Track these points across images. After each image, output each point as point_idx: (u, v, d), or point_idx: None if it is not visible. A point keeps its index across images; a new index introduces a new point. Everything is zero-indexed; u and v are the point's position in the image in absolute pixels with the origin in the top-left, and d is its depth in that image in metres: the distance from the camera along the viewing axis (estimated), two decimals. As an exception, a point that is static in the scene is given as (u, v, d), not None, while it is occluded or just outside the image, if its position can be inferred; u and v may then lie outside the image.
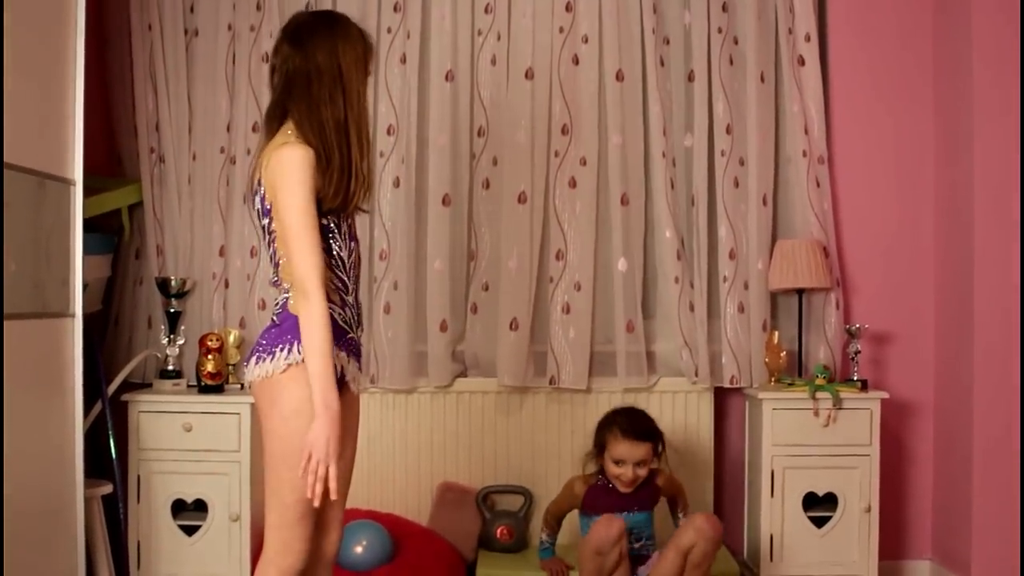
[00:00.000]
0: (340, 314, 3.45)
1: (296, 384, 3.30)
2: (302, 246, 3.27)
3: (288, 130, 3.40)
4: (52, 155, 4.24)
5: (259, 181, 3.41)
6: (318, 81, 3.39)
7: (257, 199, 3.44)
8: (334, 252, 3.43)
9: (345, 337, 3.49)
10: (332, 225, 3.42)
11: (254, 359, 3.39)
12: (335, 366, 3.35)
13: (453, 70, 5.61)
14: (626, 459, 4.78)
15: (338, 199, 3.39)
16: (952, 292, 5.53)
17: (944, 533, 5.59)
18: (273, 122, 3.47)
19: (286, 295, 3.40)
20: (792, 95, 5.67)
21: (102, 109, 5.72)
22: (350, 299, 3.50)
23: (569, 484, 4.99)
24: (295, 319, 3.30)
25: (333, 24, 3.50)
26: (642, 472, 4.81)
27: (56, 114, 4.28)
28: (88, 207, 4.80)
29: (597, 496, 4.89)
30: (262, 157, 3.40)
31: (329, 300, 3.31)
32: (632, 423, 4.86)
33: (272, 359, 3.34)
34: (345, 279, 3.48)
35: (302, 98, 3.40)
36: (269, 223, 3.41)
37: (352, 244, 3.53)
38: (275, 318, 3.43)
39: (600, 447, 4.90)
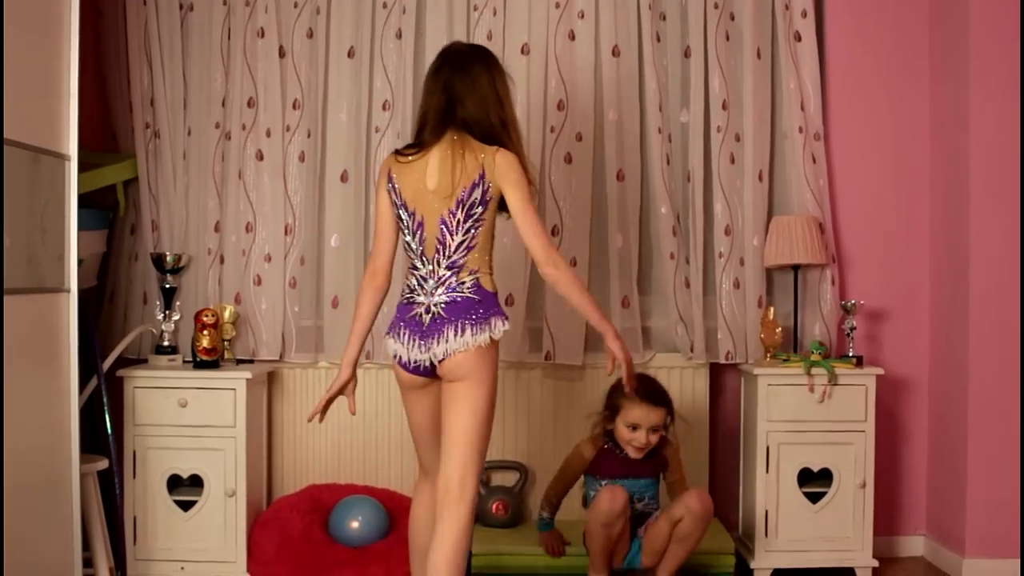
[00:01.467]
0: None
1: (496, 349, 4.04)
2: (542, 228, 4.02)
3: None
4: (46, 130, 4.22)
5: (481, 176, 3.95)
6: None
7: (478, 191, 3.97)
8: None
9: None
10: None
11: (471, 327, 3.95)
12: None
13: (449, 45, 5.60)
14: (641, 423, 4.77)
15: None
16: (947, 268, 5.53)
17: (938, 509, 5.60)
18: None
19: (475, 275, 4.00)
20: (788, 71, 5.66)
21: (97, 84, 5.71)
22: None
23: (577, 449, 4.97)
24: (491, 294, 4.02)
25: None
26: (654, 439, 4.81)
27: (50, 89, 4.26)
28: (83, 182, 4.79)
29: (605, 460, 4.90)
30: (481, 157, 3.96)
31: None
32: (649, 388, 4.83)
33: (491, 328, 3.96)
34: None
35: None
36: (482, 212, 3.99)
37: None
38: (470, 293, 4.00)
39: (613, 410, 4.86)
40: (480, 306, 3.97)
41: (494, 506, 5.44)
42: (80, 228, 4.50)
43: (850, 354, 5.42)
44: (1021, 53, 5.16)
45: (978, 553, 5.26)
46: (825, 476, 5.30)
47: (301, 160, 5.60)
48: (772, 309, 5.50)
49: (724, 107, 5.61)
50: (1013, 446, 5.23)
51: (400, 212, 4.06)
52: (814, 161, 5.65)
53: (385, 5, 5.60)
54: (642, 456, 4.84)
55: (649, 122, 5.61)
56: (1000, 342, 5.26)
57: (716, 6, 5.60)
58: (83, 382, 4.72)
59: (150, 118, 5.63)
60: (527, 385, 5.62)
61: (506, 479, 5.63)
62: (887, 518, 5.67)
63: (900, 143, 5.76)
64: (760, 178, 5.63)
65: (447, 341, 3.94)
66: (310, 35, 5.62)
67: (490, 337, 3.95)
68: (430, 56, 5.49)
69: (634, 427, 4.79)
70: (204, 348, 5.26)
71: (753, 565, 5.32)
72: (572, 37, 5.59)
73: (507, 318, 4.03)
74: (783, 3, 5.64)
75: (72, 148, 4.39)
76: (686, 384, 5.65)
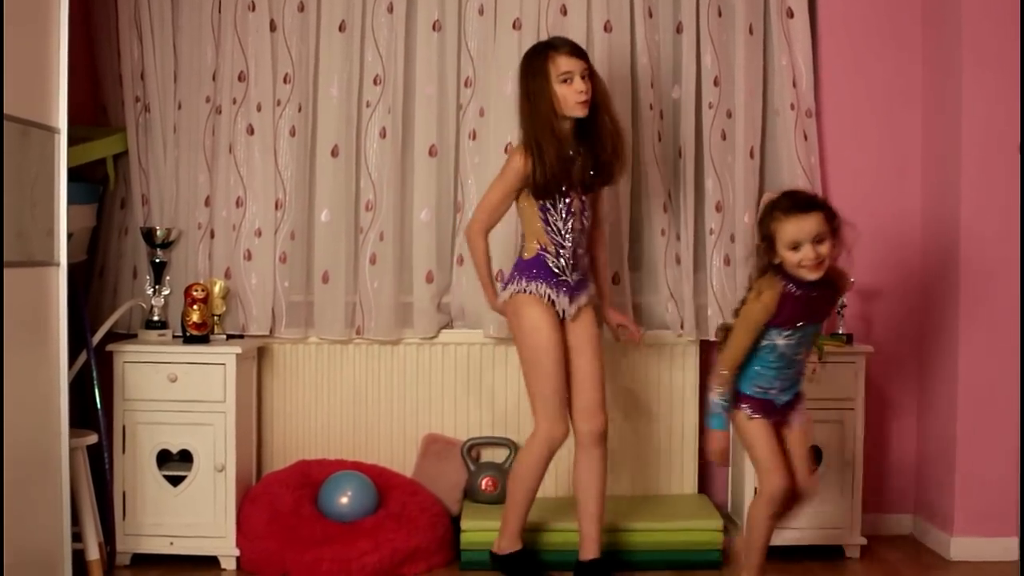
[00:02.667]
0: (554, 262, 4.76)
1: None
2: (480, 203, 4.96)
3: None
4: (36, 102, 4.20)
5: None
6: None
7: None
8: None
9: (557, 279, 4.77)
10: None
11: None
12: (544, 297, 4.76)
13: (440, 20, 5.58)
14: (801, 239, 4.19)
15: None
16: (938, 246, 5.53)
17: (927, 487, 5.61)
18: None
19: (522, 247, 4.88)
20: (780, 48, 5.65)
21: (87, 58, 5.68)
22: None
23: (757, 299, 4.29)
24: (521, 260, 4.86)
25: None
26: (824, 249, 4.20)
27: (40, 61, 4.25)
28: (73, 156, 4.77)
29: (787, 304, 4.28)
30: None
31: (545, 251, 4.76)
32: (794, 198, 4.34)
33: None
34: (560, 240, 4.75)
35: None
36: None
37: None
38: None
39: (769, 240, 4.30)
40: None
41: (484, 482, 5.44)
42: (70, 202, 4.49)
43: (840, 332, 5.43)
44: (1021, 34, 5.14)
45: (966, 531, 5.27)
46: (815, 454, 5.31)
47: (292, 135, 5.58)
48: (763, 286, 5.49)
49: (716, 83, 5.59)
50: (1002, 425, 5.24)
51: None
52: (806, 138, 5.65)
53: (376, -21, 5.58)
54: (823, 272, 4.23)
55: (641, 98, 5.60)
56: (991, 321, 5.27)
57: (709, -18, 5.60)
58: (72, 356, 4.71)
59: (140, 92, 5.60)
60: (517, 361, 5.59)
61: (496, 455, 5.64)
62: (876, 496, 5.69)
63: (892, 121, 5.76)
64: (751, 155, 5.63)
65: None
66: (301, 9, 5.59)
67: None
68: (421, 30, 5.53)
69: (796, 246, 4.21)
70: (194, 323, 5.25)
71: (742, 542, 5.34)
72: (564, 12, 5.56)
73: (511, 284, 4.84)
74: (776, -21, 5.64)
75: (62, 121, 4.38)
76: (676, 361, 5.66)
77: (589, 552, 4.85)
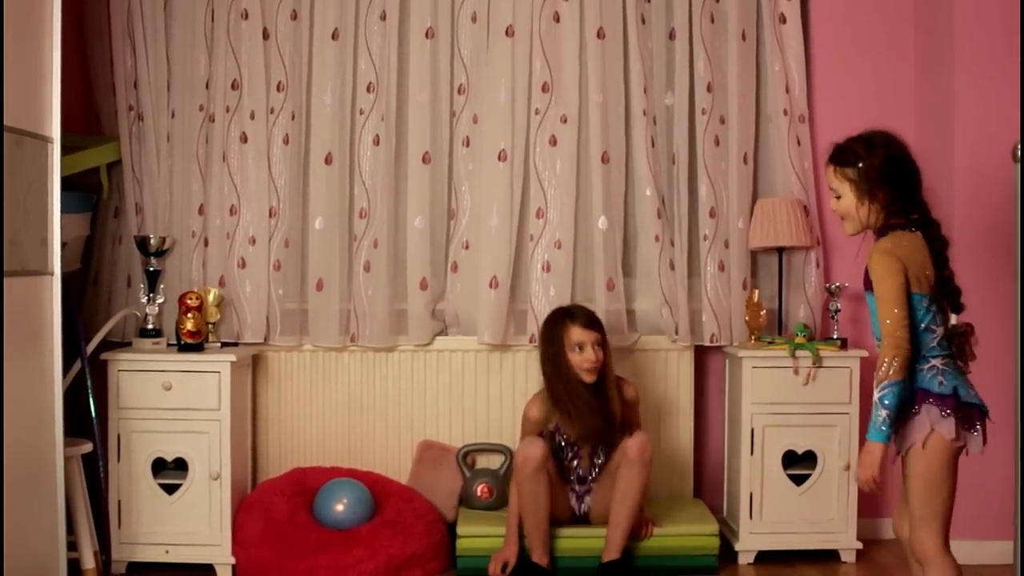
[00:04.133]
0: None
1: None
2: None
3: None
4: (29, 112, 4.20)
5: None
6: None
7: None
8: None
9: None
10: None
11: None
12: None
13: (433, 27, 5.59)
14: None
15: None
16: (932, 251, 5.54)
17: (922, 490, 5.60)
18: None
19: None
20: (773, 53, 5.66)
21: (80, 67, 5.69)
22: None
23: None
24: None
25: None
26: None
27: (33, 70, 4.24)
28: (66, 165, 4.77)
29: None
30: None
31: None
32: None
33: None
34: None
35: None
36: None
37: None
38: None
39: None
40: None
41: (480, 489, 5.44)
42: (63, 211, 4.49)
43: (835, 336, 5.43)
44: (1021, 39, 5.15)
45: (962, 535, 5.22)
46: (809, 458, 5.32)
47: (285, 142, 5.59)
48: (757, 291, 5.51)
49: (709, 89, 5.60)
50: (997, 428, 5.23)
51: None
52: (799, 143, 5.66)
53: (370, -13, 5.59)
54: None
55: (634, 104, 5.61)
56: (984, 325, 5.25)
57: (701, -12, 5.61)
58: (67, 365, 4.70)
59: (133, 100, 5.60)
60: (512, 367, 5.63)
61: (491, 462, 5.64)
62: (871, 500, 5.67)
63: (885, 125, 5.70)
64: (745, 160, 5.64)
65: None
66: (294, 17, 5.60)
67: None
68: (414, 38, 5.54)
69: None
70: (188, 331, 5.25)
71: (738, 547, 5.34)
72: (557, 19, 5.57)
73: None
74: (768, -15, 5.65)
75: (55, 130, 4.38)
76: (671, 366, 5.66)
77: (610, 553, 4.96)
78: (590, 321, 5.06)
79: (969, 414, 3.72)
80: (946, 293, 3.81)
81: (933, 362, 3.71)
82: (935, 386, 3.67)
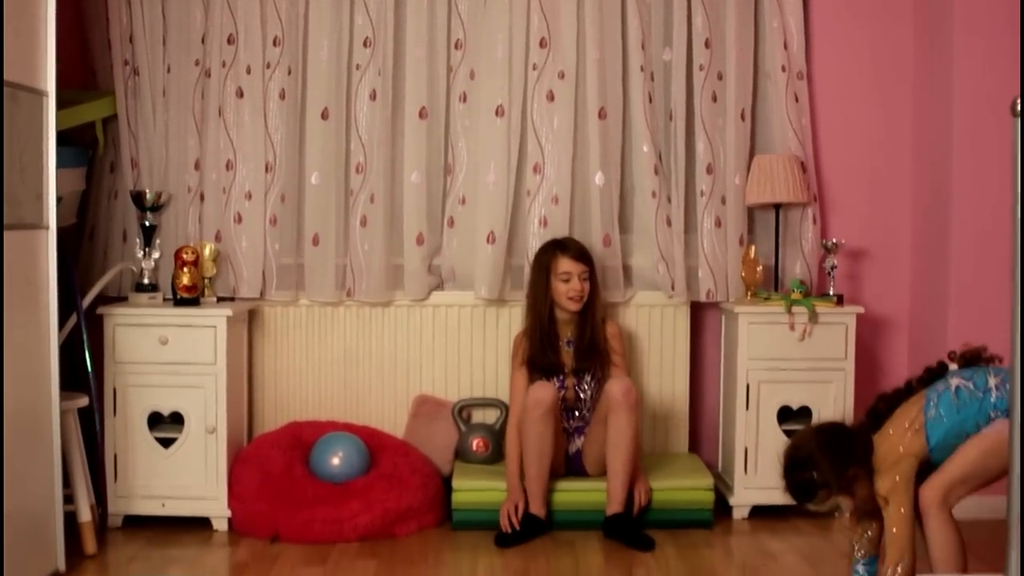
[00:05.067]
0: None
1: None
2: None
3: None
4: (24, 65, 4.18)
5: None
6: None
7: None
8: None
9: None
10: None
11: None
12: None
13: (430, -19, 5.58)
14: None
15: None
16: (929, 207, 5.54)
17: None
18: None
19: None
20: (772, 10, 5.63)
21: (75, 21, 5.66)
22: None
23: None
24: None
25: None
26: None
27: (28, 24, 4.22)
28: (61, 120, 4.76)
29: None
30: None
31: None
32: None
33: None
34: None
35: None
36: None
37: None
38: None
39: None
40: None
41: (475, 443, 5.46)
42: (59, 166, 4.49)
43: (831, 293, 5.43)
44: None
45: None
46: (804, 414, 5.33)
47: (281, 97, 5.57)
48: (753, 248, 5.51)
49: (707, 46, 5.58)
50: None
51: None
52: (796, 100, 5.64)
53: (365, -60, 5.56)
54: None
55: (631, 60, 5.59)
56: (980, 281, 5.27)
57: (699, -57, 5.58)
58: (63, 320, 4.71)
59: (129, 55, 5.58)
60: (508, 323, 5.63)
61: (487, 416, 5.66)
62: (866, 456, 5.70)
63: (883, 82, 5.75)
64: (742, 117, 5.62)
65: None
66: (290, -29, 5.58)
67: None
68: (411, -9, 5.49)
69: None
70: (184, 286, 5.25)
71: (732, 502, 5.36)
72: (554, -26, 5.56)
73: None
74: (766, -60, 5.62)
75: (50, 84, 4.36)
76: (667, 322, 5.67)
77: (613, 507, 5.01)
78: (579, 254, 5.26)
79: None
80: None
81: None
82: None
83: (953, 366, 3.91)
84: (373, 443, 5.40)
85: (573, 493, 5.14)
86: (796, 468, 3.86)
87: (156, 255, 5.40)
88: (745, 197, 5.60)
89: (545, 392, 5.00)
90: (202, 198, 5.58)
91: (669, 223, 5.60)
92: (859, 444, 3.84)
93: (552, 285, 5.24)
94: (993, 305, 5.23)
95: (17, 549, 4.07)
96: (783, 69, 5.62)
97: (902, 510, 3.72)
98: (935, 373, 3.95)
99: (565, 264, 5.21)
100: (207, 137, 5.57)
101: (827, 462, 3.78)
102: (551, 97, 5.55)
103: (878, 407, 3.96)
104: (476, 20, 5.59)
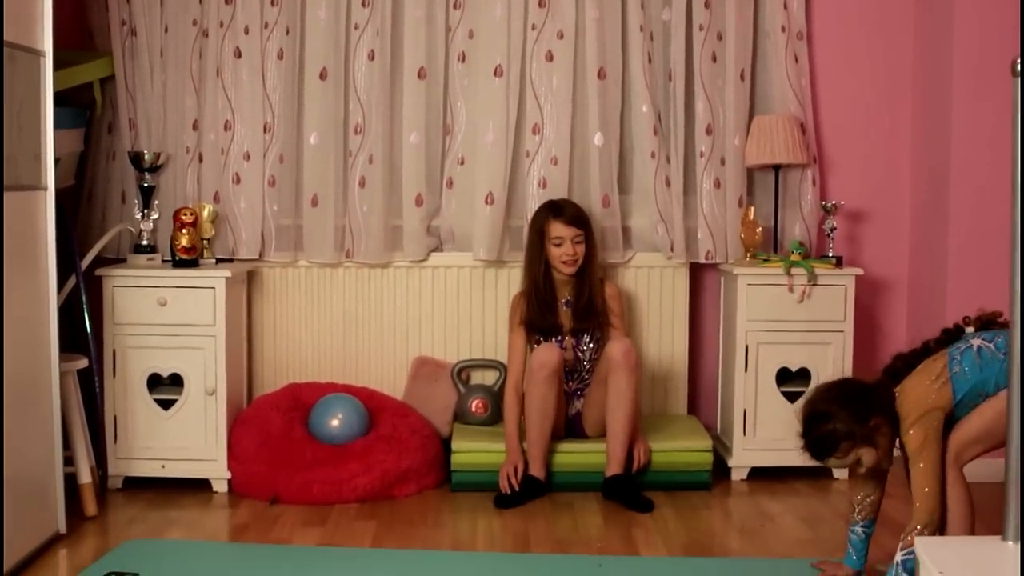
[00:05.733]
0: None
1: None
2: None
3: None
4: (20, 25, 4.15)
5: None
6: None
7: None
8: None
9: None
10: None
11: None
12: None
13: (428, -59, 5.55)
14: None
15: None
16: (928, 170, 5.53)
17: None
18: None
19: None
20: (772, -31, 5.62)
21: (72, -19, 5.64)
22: None
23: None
24: None
25: None
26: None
27: (24, -16, 4.20)
28: (59, 80, 4.74)
29: None
30: None
31: None
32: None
33: None
34: None
35: None
36: None
37: None
38: None
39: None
40: None
41: (474, 404, 5.47)
42: (57, 127, 4.46)
43: (830, 254, 5.43)
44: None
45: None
46: (803, 375, 5.34)
47: (280, 57, 5.55)
48: (752, 209, 5.50)
49: (707, 5, 5.55)
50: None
51: None
52: (796, 61, 5.62)
53: (361, -99, 5.52)
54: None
55: (631, 20, 5.56)
56: (979, 243, 5.27)
57: (700, -98, 5.54)
58: (61, 281, 4.71)
59: (126, 15, 5.56)
60: (507, 284, 5.62)
61: (486, 378, 5.66)
62: (864, 417, 5.71)
63: (883, 43, 5.73)
64: (742, 77, 5.60)
65: None
66: (288, -70, 5.55)
67: None
68: (409, -48, 5.46)
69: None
70: (183, 247, 5.24)
71: (731, 463, 5.38)
72: (553, -67, 5.53)
73: None
74: (767, -101, 5.59)
75: (47, 44, 4.33)
76: (666, 284, 5.67)
77: (612, 468, 5.03)
78: (573, 218, 5.23)
79: None
80: None
81: None
82: None
83: (970, 329, 3.88)
84: (372, 404, 5.41)
85: (572, 455, 5.15)
86: (816, 421, 3.78)
87: (155, 216, 5.39)
88: (744, 158, 5.59)
89: (550, 354, 5.01)
90: (200, 159, 5.57)
91: (668, 184, 5.59)
92: (880, 394, 3.82)
93: (546, 248, 5.24)
94: (992, 266, 5.23)
95: (17, 511, 4.07)
96: (783, 29, 5.60)
97: (934, 467, 3.67)
98: (952, 335, 3.93)
99: (558, 229, 5.19)
100: (205, 98, 5.55)
101: (849, 413, 3.72)
102: (550, 57, 5.53)
103: (896, 365, 3.92)
104: (475, -21, 5.57)
